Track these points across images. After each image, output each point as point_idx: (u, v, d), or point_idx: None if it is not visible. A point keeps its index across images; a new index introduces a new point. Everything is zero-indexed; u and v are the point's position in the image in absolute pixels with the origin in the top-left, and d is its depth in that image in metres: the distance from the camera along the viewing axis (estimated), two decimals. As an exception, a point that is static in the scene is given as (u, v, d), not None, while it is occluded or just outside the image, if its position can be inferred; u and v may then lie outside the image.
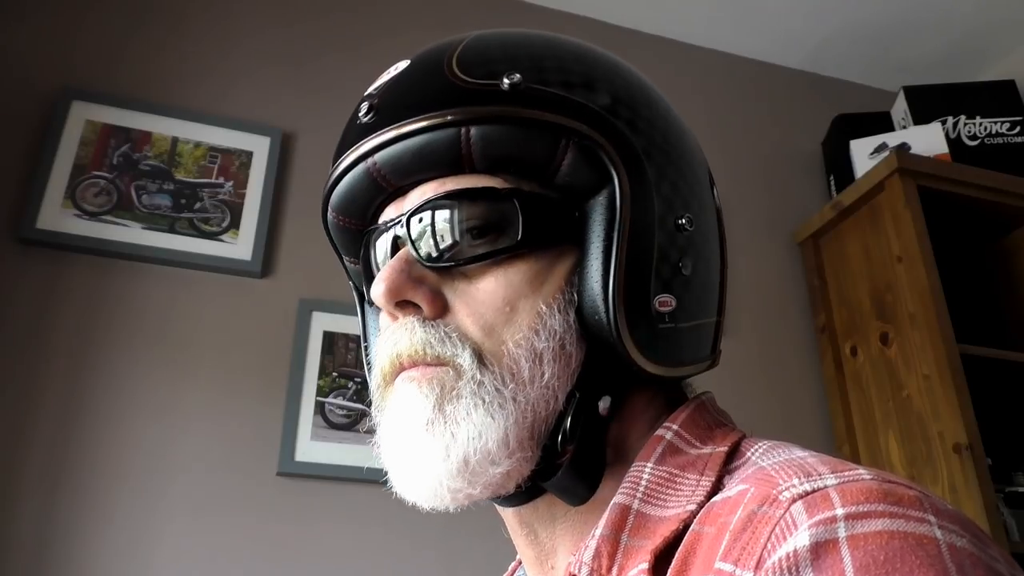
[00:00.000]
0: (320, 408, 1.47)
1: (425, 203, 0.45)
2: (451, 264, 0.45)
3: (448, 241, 0.44)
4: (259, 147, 1.65)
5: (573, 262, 0.46)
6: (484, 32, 0.50)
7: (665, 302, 0.45)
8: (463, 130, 0.44)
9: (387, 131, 0.45)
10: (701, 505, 0.41)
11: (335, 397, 1.49)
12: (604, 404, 0.45)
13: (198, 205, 1.57)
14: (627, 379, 0.46)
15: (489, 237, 0.44)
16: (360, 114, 0.47)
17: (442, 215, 0.44)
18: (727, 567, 0.35)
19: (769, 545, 0.34)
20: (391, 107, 0.46)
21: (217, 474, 1.39)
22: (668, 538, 0.40)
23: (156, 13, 1.73)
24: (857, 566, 0.31)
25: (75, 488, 1.32)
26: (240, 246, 1.55)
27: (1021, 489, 1.63)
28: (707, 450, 0.44)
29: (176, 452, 1.39)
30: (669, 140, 0.48)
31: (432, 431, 0.43)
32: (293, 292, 1.56)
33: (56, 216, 1.46)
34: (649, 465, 0.44)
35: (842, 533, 0.32)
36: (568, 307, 0.45)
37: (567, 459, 0.44)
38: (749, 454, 0.43)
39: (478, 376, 0.43)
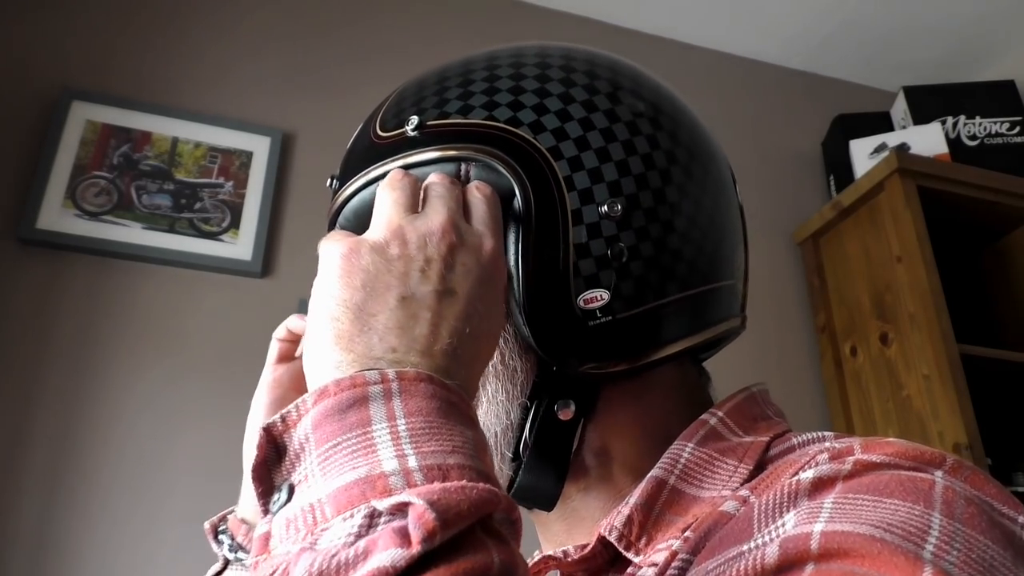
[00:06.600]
0: (320, 408, 1.47)
1: None
2: None
3: None
4: (259, 147, 1.64)
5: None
6: (419, 74, 0.52)
7: (593, 298, 0.44)
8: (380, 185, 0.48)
9: (339, 196, 0.50)
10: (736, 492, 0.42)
11: (335, 397, 1.49)
12: (565, 410, 0.45)
13: (198, 205, 1.57)
14: (590, 381, 0.46)
15: None
16: (334, 177, 0.52)
17: None
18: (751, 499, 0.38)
19: (785, 478, 0.37)
20: (344, 173, 0.51)
21: (217, 474, 1.39)
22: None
23: (156, 13, 1.73)
24: (842, 489, 0.33)
25: (75, 488, 1.32)
26: (240, 246, 1.55)
27: (1021, 489, 1.63)
28: (748, 439, 0.45)
29: (176, 452, 1.39)
30: (592, 128, 0.46)
31: None
32: (293, 292, 1.56)
33: (56, 216, 1.46)
34: (690, 445, 0.45)
35: (847, 468, 0.34)
36: (506, 322, 0.46)
37: (520, 469, 0.46)
38: (794, 441, 0.44)
39: None
